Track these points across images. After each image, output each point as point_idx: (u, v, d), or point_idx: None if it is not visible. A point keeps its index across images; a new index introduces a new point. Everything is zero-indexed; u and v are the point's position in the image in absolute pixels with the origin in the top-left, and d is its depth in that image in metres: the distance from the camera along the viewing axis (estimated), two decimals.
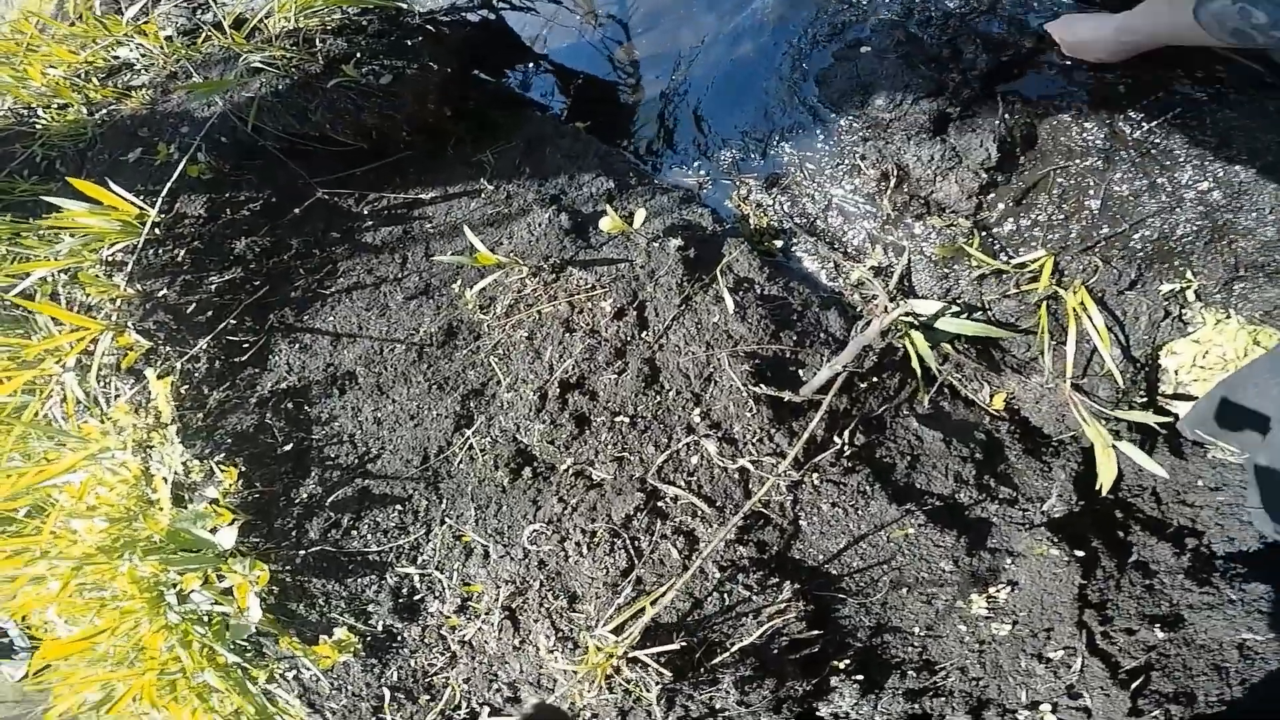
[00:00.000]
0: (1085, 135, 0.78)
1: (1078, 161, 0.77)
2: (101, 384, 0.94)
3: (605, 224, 0.81)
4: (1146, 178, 0.75)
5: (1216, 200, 0.73)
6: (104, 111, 1.14)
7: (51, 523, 0.84)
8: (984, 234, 0.79)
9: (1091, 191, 0.77)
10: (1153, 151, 0.75)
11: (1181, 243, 0.74)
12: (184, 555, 0.75)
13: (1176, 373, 0.75)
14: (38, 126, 1.16)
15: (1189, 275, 0.74)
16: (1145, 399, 0.76)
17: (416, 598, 0.75)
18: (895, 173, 0.82)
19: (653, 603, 0.61)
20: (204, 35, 1.16)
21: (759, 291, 0.82)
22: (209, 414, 0.88)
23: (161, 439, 0.85)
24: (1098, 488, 0.71)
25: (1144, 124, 0.76)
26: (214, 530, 0.75)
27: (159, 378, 0.87)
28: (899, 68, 0.84)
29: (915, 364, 0.74)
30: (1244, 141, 0.73)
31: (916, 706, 0.67)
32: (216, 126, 1.02)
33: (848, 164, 0.89)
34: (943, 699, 0.68)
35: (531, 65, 1.32)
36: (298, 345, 0.92)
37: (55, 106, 1.19)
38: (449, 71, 1.09)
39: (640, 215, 0.80)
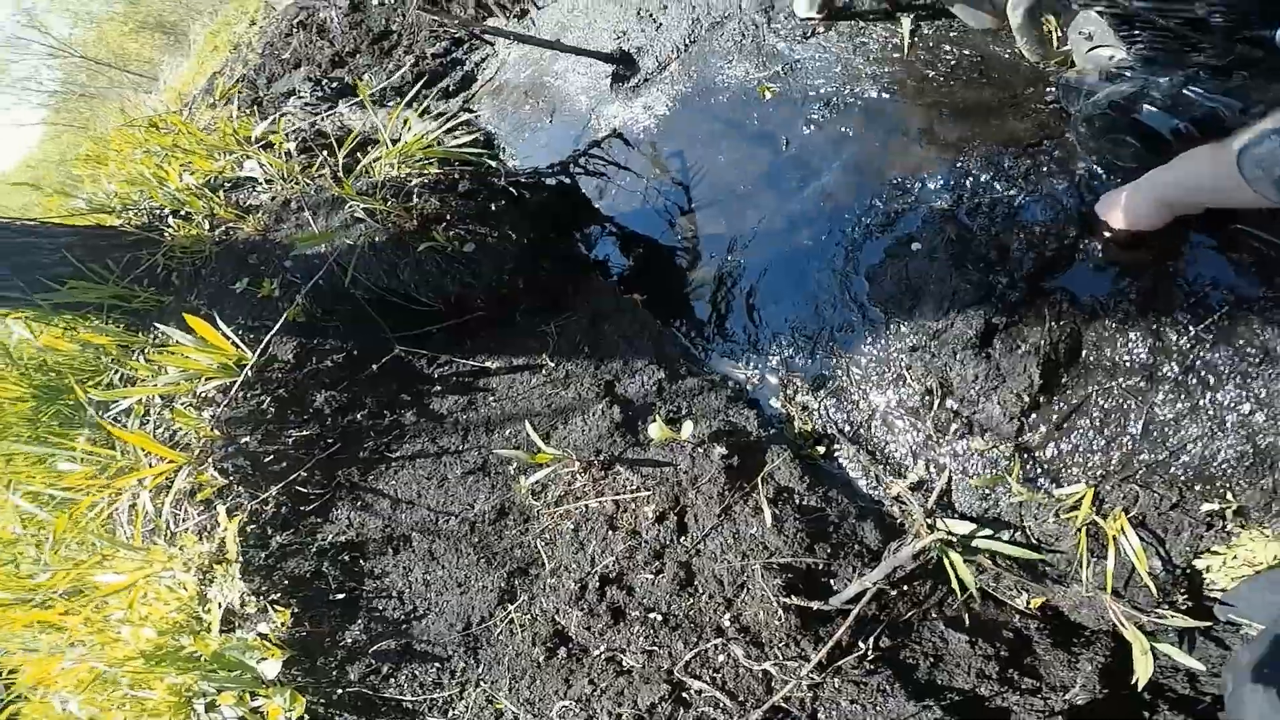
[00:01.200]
0: (1129, 347, 1.01)
1: (1120, 380, 1.00)
2: (173, 508, 1.25)
3: (654, 432, 1.10)
4: (1189, 399, 0.96)
5: (1259, 423, 0.93)
6: (222, 229, 1.58)
7: (89, 613, 1.11)
8: (1025, 456, 1.03)
9: (1133, 415, 0.98)
10: (1197, 366, 0.97)
11: (1223, 467, 0.95)
12: (224, 675, 1.00)
13: (1207, 569, 0.94)
14: (166, 234, 1.59)
15: (1229, 497, 0.94)
16: (1187, 599, 0.94)
17: None
18: (939, 389, 1.09)
19: None
20: (319, 162, 1.62)
21: (797, 502, 1.07)
22: (270, 554, 1.17)
23: (224, 571, 1.14)
24: (1133, 681, 0.88)
25: (1189, 329, 0.97)
26: (261, 660, 1.00)
27: (229, 515, 1.16)
28: (947, 271, 1.13)
29: (953, 580, 0.96)
30: (1223, 329, 0.94)
31: None
32: (317, 267, 1.40)
33: (894, 373, 1.16)
34: None
35: (598, 228, 1.73)
36: (360, 504, 1.22)
37: (183, 215, 1.63)
38: (525, 242, 1.48)
39: (688, 428, 1.08)
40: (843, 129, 1.43)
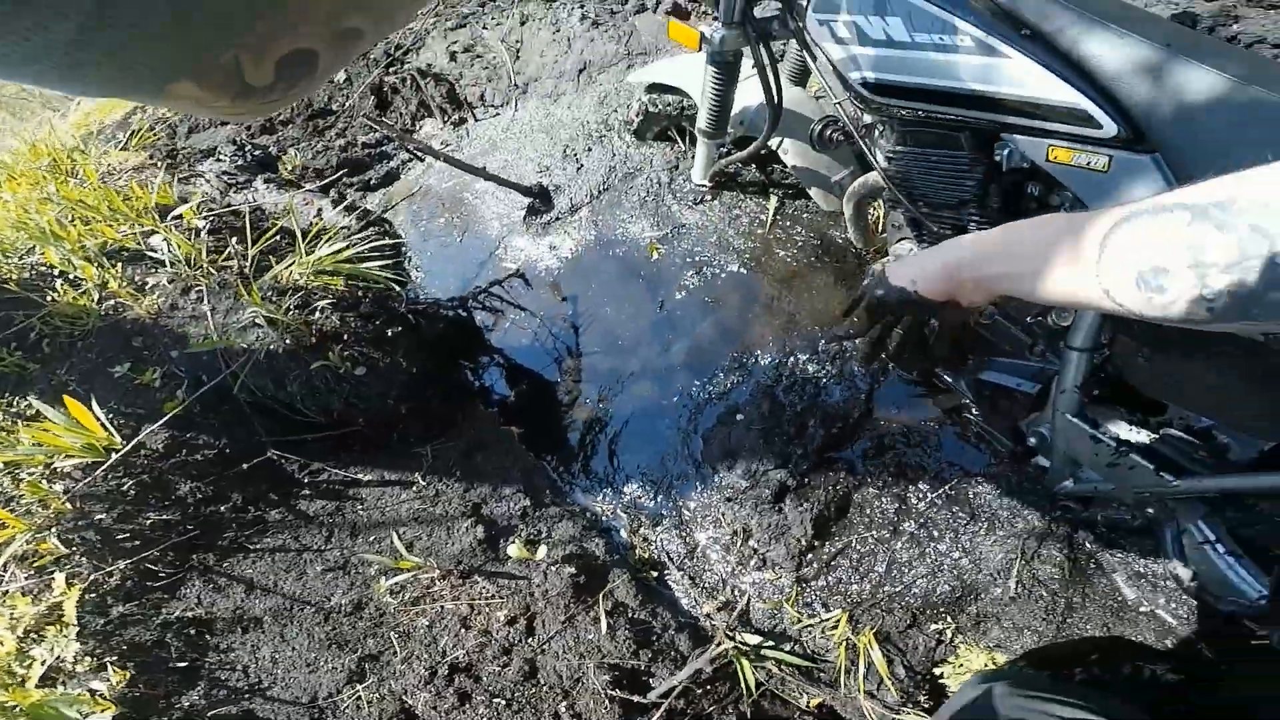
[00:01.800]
0: (882, 507, 1.47)
1: (874, 532, 1.45)
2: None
3: (513, 551, 1.39)
4: (919, 547, 1.43)
5: (965, 566, 1.40)
6: (111, 303, 1.75)
7: None
8: (802, 586, 1.43)
9: (880, 558, 1.44)
10: (927, 523, 1.42)
11: (942, 597, 1.39)
12: None
13: (943, 675, 1.30)
14: (49, 297, 1.74)
15: (949, 619, 1.36)
16: (929, 699, 1.28)
17: None
18: (744, 532, 1.46)
19: None
20: (227, 252, 1.85)
21: (630, 615, 1.38)
22: (110, 621, 1.32)
23: (57, 631, 1.27)
24: None
25: (926, 495, 1.44)
26: (88, 714, 1.14)
27: (68, 583, 1.32)
28: (758, 442, 1.57)
29: (742, 681, 1.27)
30: (986, 515, 1.38)
31: None
32: (206, 366, 1.63)
33: (713, 517, 1.55)
34: None
35: (489, 360, 2.06)
36: (212, 586, 1.41)
37: (72, 280, 1.78)
38: (415, 371, 1.77)
39: (542, 550, 1.39)
40: (707, 298, 1.89)
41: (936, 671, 1.33)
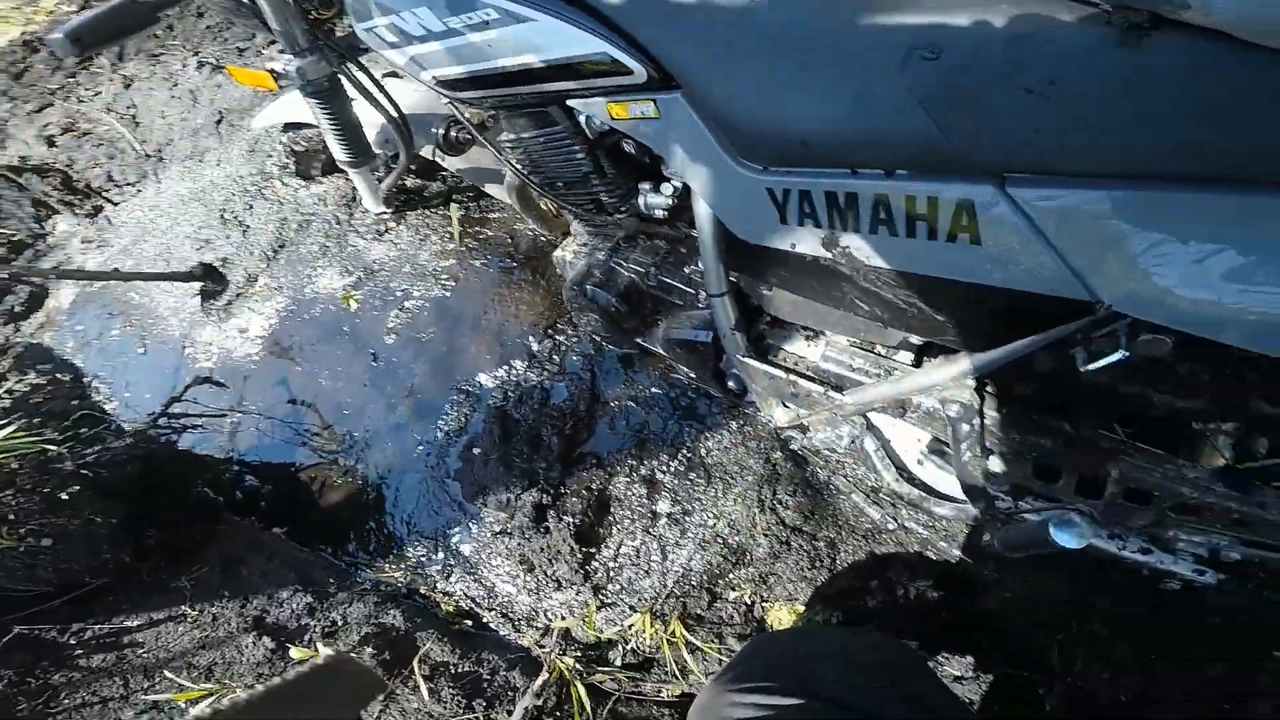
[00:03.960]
0: (635, 493, 1.57)
1: (637, 524, 1.55)
2: None
3: (295, 654, 1.40)
4: (679, 525, 1.53)
5: (723, 530, 1.52)
6: None
7: None
8: (600, 595, 1.53)
9: (654, 546, 1.53)
10: (676, 498, 1.55)
11: (723, 567, 1.50)
12: None
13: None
14: None
15: (741, 585, 1.50)
16: None
17: None
18: (524, 562, 1.56)
19: None
20: None
21: (453, 670, 1.45)
22: None
23: None
24: None
25: (668, 467, 1.56)
26: None
27: None
28: (501, 471, 1.65)
29: (574, 701, 1.39)
30: (720, 473, 1.56)
31: None
32: None
33: (495, 553, 1.62)
34: None
35: (222, 471, 1.95)
36: None
37: None
38: (115, 520, 1.66)
39: (322, 649, 1.41)
40: (418, 334, 1.93)
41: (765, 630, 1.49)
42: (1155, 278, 0.65)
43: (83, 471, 1.72)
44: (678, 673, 1.44)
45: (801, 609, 1.45)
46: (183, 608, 1.59)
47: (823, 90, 0.78)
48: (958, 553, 1.45)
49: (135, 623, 1.59)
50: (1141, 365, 0.77)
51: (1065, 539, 0.86)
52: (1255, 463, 0.89)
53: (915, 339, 1.11)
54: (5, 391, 1.99)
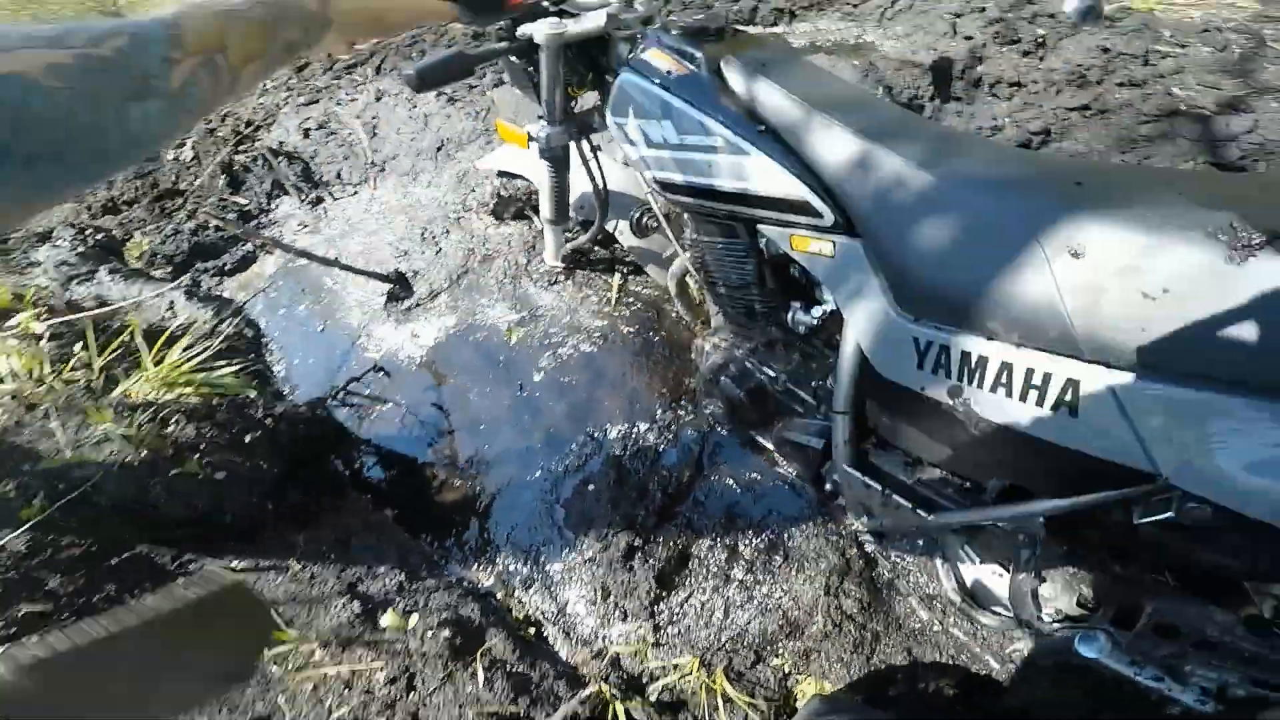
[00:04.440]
0: (716, 557, 1.77)
1: (709, 581, 1.74)
2: None
3: (386, 620, 1.60)
4: (747, 591, 1.72)
5: (786, 604, 1.69)
6: None
7: None
8: (658, 633, 1.70)
9: (718, 603, 1.72)
10: (754, 568, 1.73)
11: (774, 634, 1.66)
12: None
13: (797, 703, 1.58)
14: None
15: (784, 655, 1.64)
16: None
17: None
18: (603, 590, 1.72)
19: None
20: (72, 362, 1.94)
21: (508, 669, 1.60)
22: None
23: None
24: None
25: (750, 543, 1.75)
26: None
27: None
28: (607, 508, 1.87)
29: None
30: (797, 556, 1.72)
31: None
32: (62, 476, 1.73)
33: (577, 577, 1.81)
34: None
35: (358, 452, 2.24)
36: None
37: None
38: (276, 471, 1.94)
39: (414, 619, 1.60)
40: (562, 378, 2.19)
41: (789, 701, 1.62)
42: (1210, 461, 0.81)
43: (266, 422, 2.05)
44: (707, 717, 1.57)
45: (829, 688, 1.58)
46: (289, 561, 1.81)
47: (982, 266, 0.97)
48: (989, 658, 1.59)
49: (241, 565, 1.79)
50: (1188, 528, 0.90)
51: (1086, 650, 1.05)
52: None
53: (1000, 481, 1.24)
54: (221, 339, 2.36)
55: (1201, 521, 0.87)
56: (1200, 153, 2.50)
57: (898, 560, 1.77)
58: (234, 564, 1.80)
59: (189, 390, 1.97)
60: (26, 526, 1.65)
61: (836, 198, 1.13)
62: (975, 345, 1.00)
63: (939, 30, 3.30)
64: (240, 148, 3.58)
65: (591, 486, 1.92)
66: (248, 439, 1.96)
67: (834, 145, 1.11)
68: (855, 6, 3.75)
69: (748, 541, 1.80)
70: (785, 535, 1.81)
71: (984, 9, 3.34)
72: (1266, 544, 0.90)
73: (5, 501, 1.72)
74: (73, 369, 1.97)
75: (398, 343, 2.46)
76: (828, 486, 1.57)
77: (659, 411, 2.04)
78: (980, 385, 1.01)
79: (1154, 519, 0.91)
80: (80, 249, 3.13)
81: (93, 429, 1.82)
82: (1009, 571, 1.25)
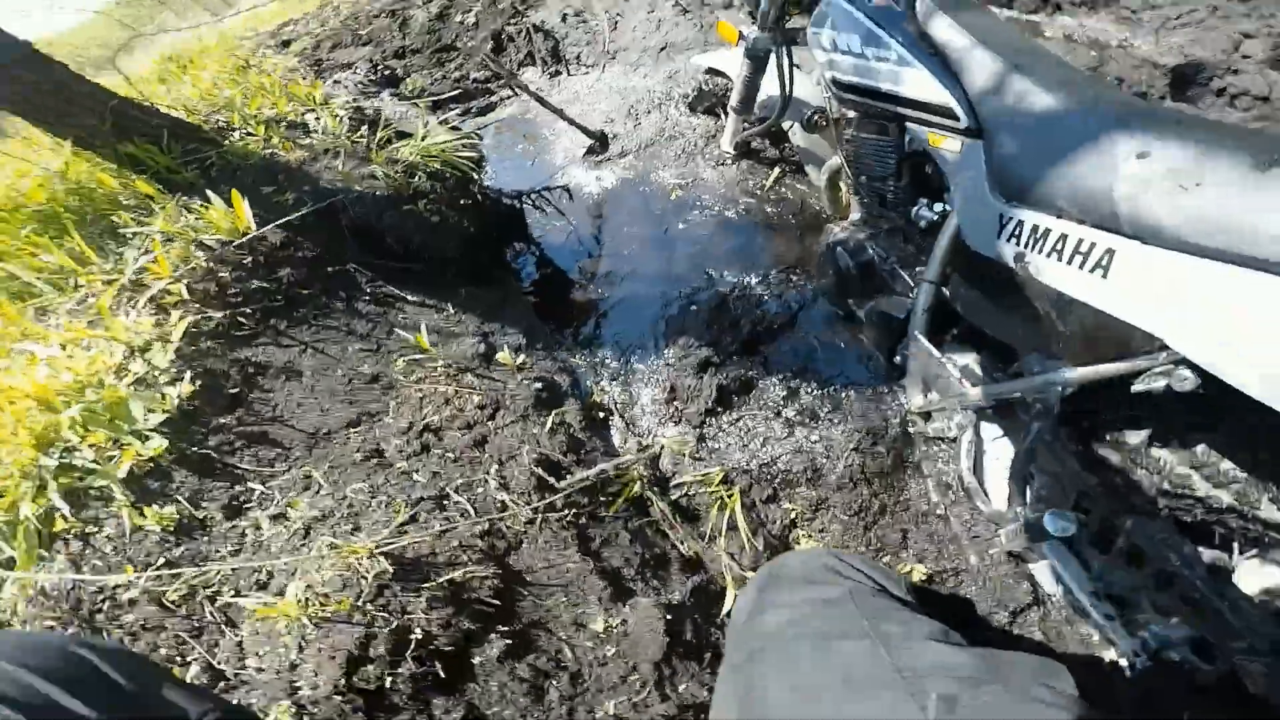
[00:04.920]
0: (774, 394, 1.90)
1: (763, 412, 1.87)
2: (128, 305, 1.93)
3: (501, 356, 1.88)
4: (790, 430, 1.82)
5: (818, 450, 1.77)
6: (270, 152, 2.35)
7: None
8: (701, 442, 1.84)
9: (761, 434, 1.84)
10: (804, 411, 1.84)
11: (797, 476, 1.76)
12: (107, 419, 1.59)
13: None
14: (227, 141, 2.35)
15: (797, 501, 1.74)
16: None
17: (244, 504, 1.61)
18: (671, 392, 1.90)
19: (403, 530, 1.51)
20: (360, 132, 2.42)
21: (570, 429, 1.84)
22: (197, 351, 1.85)
23: (160, 346, 1.79)
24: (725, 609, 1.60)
25: (811, 390, 1.86)
26: (148, 411, 1.60)
27: (180, 317, 1.86)
28: (701, 329, 2.05)
29: (625, 497, 1.70)
30: (845, 410, 1.81)
31: None
32: (328, 194, 2.18)
33: (654, 379, 2.00)
34: None
35: (526, 244, 2.57)
36: (276, 343, 1.94)
37: (247, 133, 2.41)
38: (473, 232, 2.30)
39: (519, 358, 1.87)
40: (702, 230, 2.37)
41: (786, 546, 1.73)
42: (1212, 331, 0.88)
43: (478, 196, 2.45)
44: (706, 533, 1.71)
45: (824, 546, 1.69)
46: (447, 304, 2.16)
47: (1067, 161, 1.12)
48: (971, 555, 1.63)
49: (411, 297, 2.15)
50: (1180, 400, 0.98)
51: (1054, 526, 1.11)
52: (1248, 557, 1.04)
53: (1035, 356, 1.33)
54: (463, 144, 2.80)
55: (1188, 388, 0.94)
56: None
57: (931, 445, 1.79)
58: (409, 296, 2.20)
59: (434, 162, 2.39)
60: (282, 221, 2.12)
61: (974, 106, 1.31)
62: (1044, 220, 1.13)
63: (1220, 47, 2.98)
64: (511, 21, 4.06)
65: (694, 308, 2.11)
66: (462, 202, 2.35)
67: (982, 67, 1.29)
68: (1134, 12, 3.46)
69: (809, 389, 1.90)
70: (843, 394, 1.89)
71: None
72: (1245, 427, 0.99)
73: (284, 206, 2.21)
74: (359, 137, 2.46)
75: (586, 181, 2.81)
76: (897, 359, 1.68)
77: (773, 273, 2.18)
78: (1041, 251, 1.14)
79: (1149, 386, 0.99)
80: (372, 77, 3.78)
81: (368, 168, 2.28)
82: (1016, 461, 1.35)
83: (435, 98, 3.67)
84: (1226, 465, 1.03)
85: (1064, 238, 1.09)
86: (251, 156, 2.34)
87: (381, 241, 2.23)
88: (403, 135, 2.63)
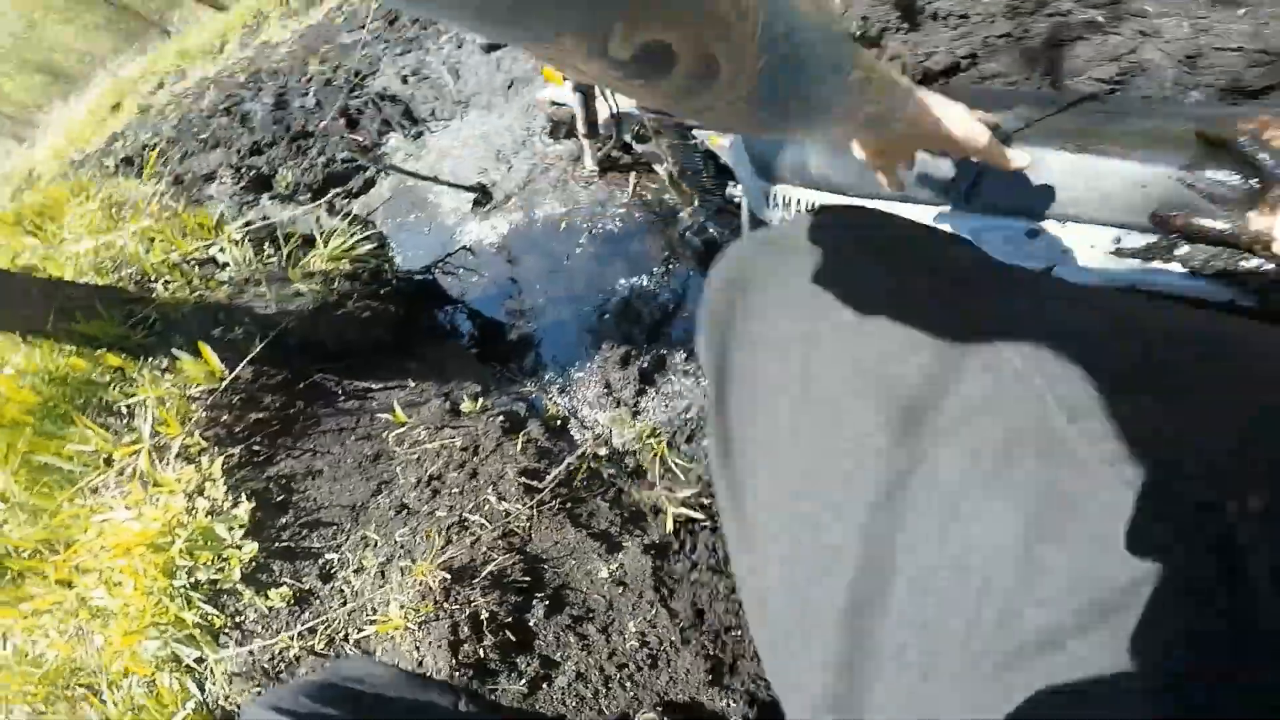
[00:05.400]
0: (680, 359, 2.63)
1: (673, 377, 2.59)
2: (162, 463, 2.64)
3: (465, 407, 2.64)
4: (696, 380, 2.59)
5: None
6: (198, 294, 3.03)
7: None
8: (635, 415, 2.58)
9: (678, 393, 2.55)
10: (689, 367, 2.58)
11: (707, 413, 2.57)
12: (203, 543, 2.36)
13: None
14: (154, 294, 3.03)
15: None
16: (710, 500, 2.50)
17: (331, 570, 2.36)
18: (606, 384, 2.69)
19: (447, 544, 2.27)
20: (266, 253, 3.13)
21: (538, 443, 2.58)
22: (236, 480, 2.57)
23: (210, 486, 2.53)
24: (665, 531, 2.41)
25: (685, 348, 2.64)
26: (229, 529, 2.36)
27: (211, 459, 2.58)
28: (616, 332, 2.74)
29: (584, 471, 2.49)
30: None
31: None
32: (272, 323, 2.90)
33: (592, 379, 2.74)
34: None
35: (452, 307, 3.30)
36: (290, 457, 2.66)
37: (165, 282, 3.08)
38: (397, 313, 3.04)
39: (479, 403, 2.64)
40: (593, 252, 3.09)
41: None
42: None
43: (393, 281, 3.16)
44: (655, 481, 2.48)
45: None
46: (408, 380, 2.85)
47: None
48: None
49: (377, 385, 2.79)
50: None
51: None
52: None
53: None
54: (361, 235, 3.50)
55: None
56: None
57: None
58: (371, 385, 2.93)
59: (345, 263, 3.10)
60: (249, 359, 2.82)
61: None
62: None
63: None
64: (353, 94, 4.72)
65: (607, 318, 2.80)
66: (382, 291, 3.00)
67: None
68: None
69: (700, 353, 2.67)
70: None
71: None
72: None
73: (235, 343, 2.91)
74: (267, 257, 3.16)
75: (483, 233, 3.43)
76: None
77: (655, 266, 2.85)
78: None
79: None
80: (240, 183, 4.42)
81: (287, 289, 2.98)
82: None
83: (311, 188, 4.34)
84: None
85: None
86: (183, 305, 2.96)
87: (325, 348, 2.84)
88: (307, 240, 3.35)
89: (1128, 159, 0.92)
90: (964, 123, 0.82)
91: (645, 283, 2.89)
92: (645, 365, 2.64)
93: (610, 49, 0.42)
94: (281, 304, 2.85)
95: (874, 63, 0.67)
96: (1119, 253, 0.97)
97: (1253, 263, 0.86)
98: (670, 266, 2.90)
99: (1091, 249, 0.99)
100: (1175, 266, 0.93)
